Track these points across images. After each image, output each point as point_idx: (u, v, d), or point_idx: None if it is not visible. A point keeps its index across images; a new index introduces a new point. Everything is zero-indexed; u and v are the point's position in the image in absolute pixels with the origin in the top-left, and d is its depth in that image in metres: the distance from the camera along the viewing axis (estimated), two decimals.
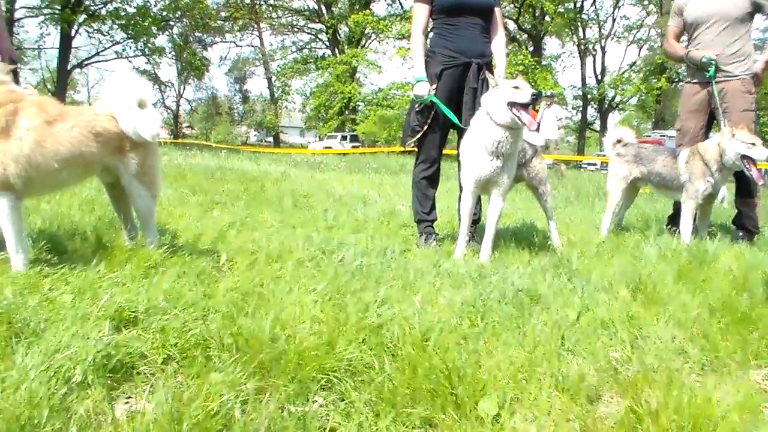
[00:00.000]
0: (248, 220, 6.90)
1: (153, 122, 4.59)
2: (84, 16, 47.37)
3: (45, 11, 47.34)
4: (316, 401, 2.57)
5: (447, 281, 4.54)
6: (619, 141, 7.63)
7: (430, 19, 6.35)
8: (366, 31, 55.79)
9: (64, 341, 2.72)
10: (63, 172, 4.34)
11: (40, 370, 2.48)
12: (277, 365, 2.71)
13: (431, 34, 6.49)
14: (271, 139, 71.22)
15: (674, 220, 7.63)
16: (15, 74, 5.23)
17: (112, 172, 4.68)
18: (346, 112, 54.06)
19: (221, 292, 3.75)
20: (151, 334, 3.00)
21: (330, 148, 44.57)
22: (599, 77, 58.64)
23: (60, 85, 48.09)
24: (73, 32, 47.72)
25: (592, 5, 57.29)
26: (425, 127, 6.21)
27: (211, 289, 3.86)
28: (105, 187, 5.03)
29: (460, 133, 6.03)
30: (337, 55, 56.17)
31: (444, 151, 6.52)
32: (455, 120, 6.05)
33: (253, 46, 69.83)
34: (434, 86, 6.11)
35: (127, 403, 2.53)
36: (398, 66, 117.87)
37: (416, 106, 6.20)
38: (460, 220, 5.97)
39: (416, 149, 6.47)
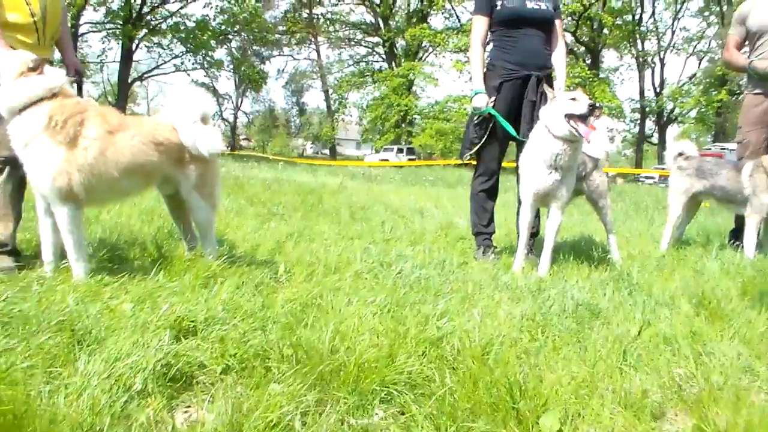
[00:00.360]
0: (306, 232, 6.91)
1: (214, 139, 4.62)
2: (144, 30, 48.31)
3: (107, 26, 48.45)
4: (377, 414, 2.55)
5: (506, 294, 4.50)
6: (680, 154, 7.50)
7: (489, 32, 6.32)
8: (423, 45, 55.88)
9: (124, 349, 2.73)
10: (124, 181, 4.41)
11: (102, 378, 2.50)
12: (337, 377, 2.69)
13: (490, 47, 6.45)
14: (327, 151, 71.49)
15: (737, 234, 7.47)
16: (79, 86, 5.32)
17: (172, 183, 4.73)
18: (403, 125, 54.01)
19: (280, 303, 3.75)
20: (210, 344, 2.99)
21: (386, 160, 44.66)
22: (658, 90, 57.78)
23: (121, 97, 49.02)
24: (134, 46, 48.72)
25: (651, 17, 56.63)
26: (483, 140, 6.18)
27: (269, 299, 3.85)
28: (164, 198, 5.08)
29: (519, 146, 5.97)
30: (394, 68, 56.24)
31: (503, 164, 6.48)
32: (513, 133, 6.01)
33: (310, 59, 70.45)
34: (493, 99, 6.08)
35: (186, 412, 2.53)
36: (455, 79, 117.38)
37: (475, 118, 6.18)
38: (518, 233, 5.92)
39: (475, 162, 6.44)
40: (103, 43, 50.89)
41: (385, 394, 2.64)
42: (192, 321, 3.23)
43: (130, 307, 3.51)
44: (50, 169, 4.07)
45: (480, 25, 6.27)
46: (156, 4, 49.09)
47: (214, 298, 3.69)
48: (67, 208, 4.19)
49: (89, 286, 3.91)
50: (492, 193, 6.45)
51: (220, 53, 56.32)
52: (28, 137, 4.09)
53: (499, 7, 6.15)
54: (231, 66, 60.39)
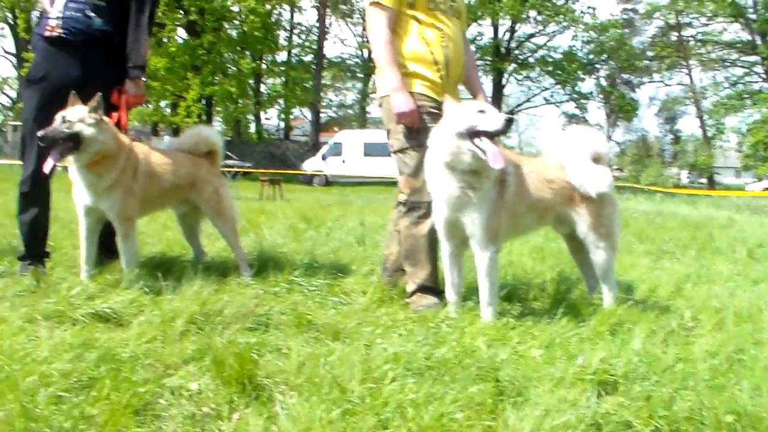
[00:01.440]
0: (703, 272, 6.58)
1: (602, 179, 4.55)
2: (513, 65, 49.66)
3: (478, 63, 50.45)
4: None
5: None
6: None
7: None
8: None
9: (551, 405, 2.67)
10: (526, 218, 4.54)
11: None
12: None
13: None
14: (704, 180, 68.55)
15: None
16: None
17: (566, 222, 4.73)
18: None
19: (698, 356, 3.49)
20: (633, 402, 2.81)
21: None
22: None
23: None
24: (504, 80, 50.19)
25: None
26: None
27: (684, 351, 3.62)
28: (564, 239, 5.11)
29: None
30: None
31: None
32: None
33: (682, 84, 68.01)
34: None
35: None
36: None
37: None
38: None
39: None
40: None
41: None
42: (612, 375, 3.09)
43: (538, 353, 3.48)
44: (491, 212, 4.23)
45: None
46: (523, 39, 50.37)
47: (627, 348, 3.53)
48: (491, 251, 4.30)
49: (497, 330, 3.92)
50: None
51: (588, 84, 56.43)
52: (481, 185, 4.21)
53: None
54: (600, 96, 60.06)
